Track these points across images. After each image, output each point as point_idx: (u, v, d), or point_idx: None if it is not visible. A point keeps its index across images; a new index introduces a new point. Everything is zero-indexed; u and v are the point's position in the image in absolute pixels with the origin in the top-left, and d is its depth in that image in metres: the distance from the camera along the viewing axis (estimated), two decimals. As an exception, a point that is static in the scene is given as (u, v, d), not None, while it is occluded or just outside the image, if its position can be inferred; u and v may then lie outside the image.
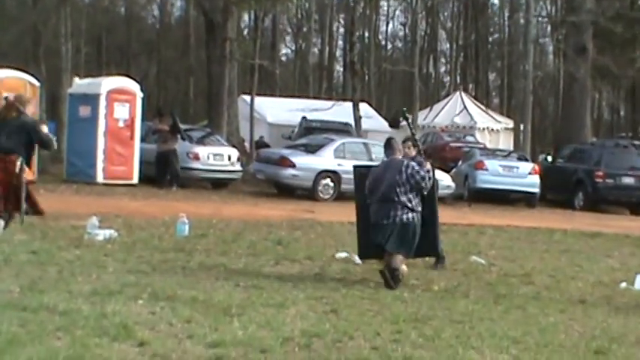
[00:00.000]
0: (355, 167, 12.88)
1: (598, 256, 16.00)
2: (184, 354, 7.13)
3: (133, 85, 24.80)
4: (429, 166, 11.75)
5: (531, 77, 34.99)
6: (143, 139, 24.56)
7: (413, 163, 11.41)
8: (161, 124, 25.15)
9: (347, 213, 20.78)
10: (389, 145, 11.78)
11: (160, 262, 11.59)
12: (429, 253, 12.52)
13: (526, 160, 29.13)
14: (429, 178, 11.38)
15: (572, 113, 37.07)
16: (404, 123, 13.42)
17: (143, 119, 24.93)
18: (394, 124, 13.84)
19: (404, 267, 11.26)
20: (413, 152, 12.23)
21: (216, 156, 25.16)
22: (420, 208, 11.34)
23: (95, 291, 9.22)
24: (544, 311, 10.09)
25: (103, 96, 23.69)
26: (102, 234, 13.50)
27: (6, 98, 12.96)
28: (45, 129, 12.27)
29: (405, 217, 11.17)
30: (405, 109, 14.45)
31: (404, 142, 12.43)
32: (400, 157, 11.61)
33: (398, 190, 11.15)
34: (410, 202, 11.20)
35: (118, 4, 61.42)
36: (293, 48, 68.35)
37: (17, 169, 11.75)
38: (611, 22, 36.79)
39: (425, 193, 11.38)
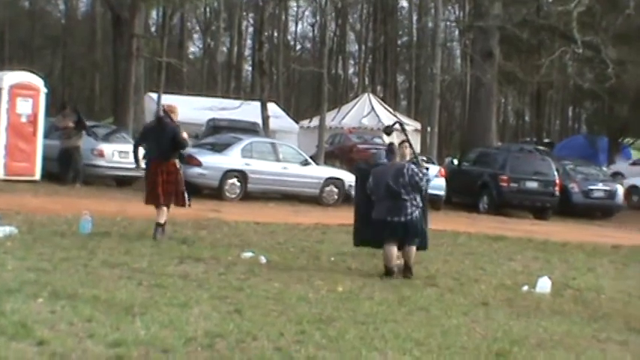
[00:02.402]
0: (357, 166, 14.96)
1: (501, 259, 16.24)
2: (84, 353, 7.04)
3: (36, 80, 24.36)
4: (424, 169, 13.15)
5: (439, 81, 35.39)
6: (46, 135, 24.15)
7: (412, 166, 12.78)
8: (65, 120, 24.75)
9: (254, 213, 20.87)
10: (390, 149, 13.17)
11: (62, 260, 11.40)
12: (420, 248, 13.27)
13: (432, 162, 29.45)
14: (427, 180, 12.93)
15: (478, 117, 37.65)
16: (396, 127, 14.15)
17: (47, 115, 24.50)
18: (388, 131, 14.65)
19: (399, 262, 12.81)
20: (408, 152, 13.34)
21: (121, 153, 24.86)
22: (421, 205, 12.84)
23: (-7, 289, 9.04)
24: (447, 313, 10.20)
25: (5, 90, 23.23)
26: (1, 230, 13.23)
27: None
28: (185, 134, 14.68)
29: (414, 214, 12.66)
30: (400, 122, 15.34)
31: (400, 144, 13.52)
32: (399, 160, 12.91)
33: (403, 190, 12.56)
34: (414, 199, 12.66)
35: (22, -3, 60.42)
36: (201, 46, 68.15)
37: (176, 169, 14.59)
38: (518, 29, 37.49)
39: (424, 191, 12.89)
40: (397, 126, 14.34)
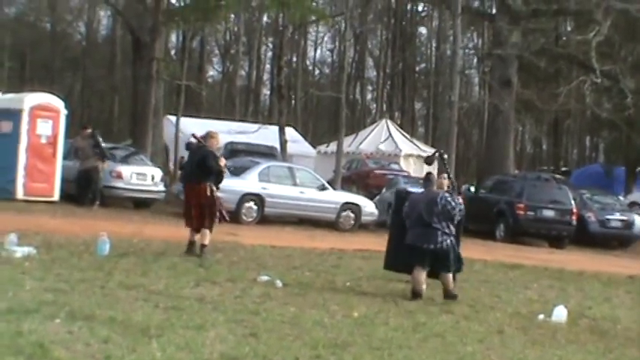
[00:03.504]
0: (397, 190, 15.73)
1: (517, 287, 16.20)
2: (101, 374, 7.07)
3: (56, 102, 24.54)
4: (460, 199, 13.66)
5: (456, 108, 35.40)
6: (65, 157, 24.30)
7: (447, 195, 13.20)
8: (82, 141, 24.86)
9: (270, 236, 20.90)
10: (428, 178, 13.72)
11: (79, 281, 11.45)
12: (456, 271, 13.75)
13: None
14: (460, 210, 13.24)
15: (495, 145, 37.64)
16: (437, 156, 14.80)
17: (66, 136, 24.66)
18: (429, 161, 15.41)
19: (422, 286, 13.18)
20: (446, 183, 13.80)
21: (139, 175, 24.99)
22: (454, 233, 13.22)
23: (11, 309, 9.07)
24: (462, 340, 10.19)
25: (26, 112, 23.42)
26: (20, 251, 13.30)
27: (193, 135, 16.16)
28: (223, 161, 15.62)
29: (444, 243, 13.04)
30: (442, 151, 15.85)
31: (439, 174, 14.24)
32: (436, 189, 13.38)
33: (435, 219, 12.99)
34: (447, 227, 13.06)
35: (44, 19, 60.81)
36: (220, 70, 68.38)
37: (208, 193, 15.23)
38: (536, 57, 37.55)
39: (456, 221, 13.24)
40: (437, 155, 14.76)
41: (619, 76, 35.03)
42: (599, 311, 14.22)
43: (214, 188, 15.40)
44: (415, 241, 13.15)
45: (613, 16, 35.01)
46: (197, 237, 15.48)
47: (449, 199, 13.19)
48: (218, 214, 15.48)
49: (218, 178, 15.59)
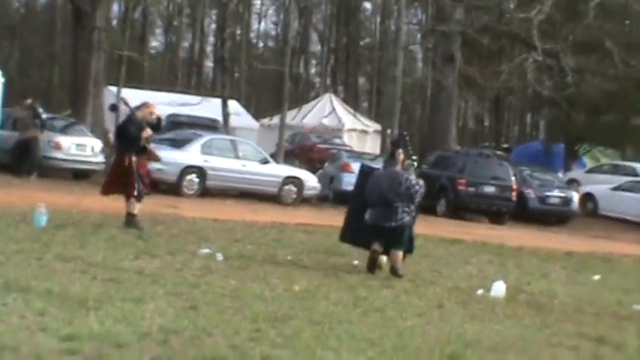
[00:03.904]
0: (361, 166, 15.52)
1: (457, 262, 16.32)
2: (36, 347, 6.97)
3: (-7, 70, 24.06)
4: (421, 181, 13.76)
5: (400, 83, 35.47)
6: (2, 126, 23.87)
7: (411, 177, 13.39)
8: (22, 111, 24.47)
9: (211, 209, 20.79)
10: (392, 157, 13.91)
11: (15, 253, 11.29)
12: (406, 252, 13.84)
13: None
14: (421, 193, 13.52)
15: (438, 120, 37.79)
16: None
17: (3, 105, 24.20)
18: (395, 142, 15.67)
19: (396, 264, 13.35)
20: (402, 157, 13.81)
21: (78, 146, 24.67)
22: (413, 213, 13.52)
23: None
24: (402, 315, 10.23)
25: (-39, 79, 22.94)
26: (-46, 221, 13.09)
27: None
28: (147, 132, 15.16)
29: (403, 220, 13.27)
30: (405, 133, 16.05)
31: (395, 151, 14.09)
32: (399, 168, 13.50)
33: (397, 198, 13.17)
34: (406, 207, 13.28)
35: (-20, -14, 59.64)
36: (163, 41, 67.67)
37: (126, 163, 14.97)
38: (479, 34, 37.66)
39: (417, 202, 13.47)
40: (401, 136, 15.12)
41: (560, 54, 35.30)
42: (537, 286, 14.37)
43: (133, 158, 15.09)
44: (376, 220, 13.34)
45: (555, -5, 35.23)
46: (137, 207, 15.30)
47: (413, 181, 13.38)
48: (137, 185, 15.16)
49: (136, 146, 15.22)
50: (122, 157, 15.24)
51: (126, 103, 15.88)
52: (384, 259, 13.55)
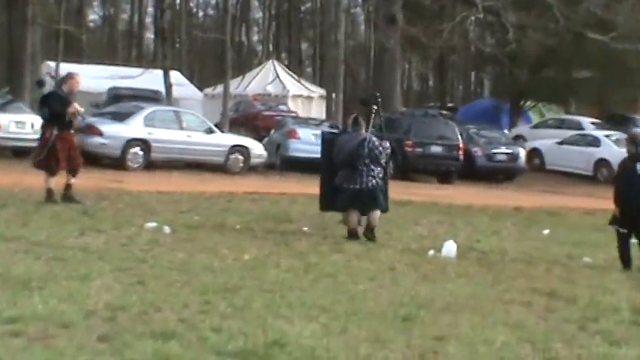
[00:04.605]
0: (322, 134, 15.89)
1: (407, 223, 16.29)
2: (-21, 331, 6.78)
3: None
4: (387, 142, 13.95)
5: (343, 47, 35.34)
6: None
7: (374, 139, 13.54)
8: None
9: (157, 182, 20.57)
10: (356, 121, 14.00)
11: (-46, 234, 11.04)
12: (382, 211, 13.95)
13: (337, 128, 29.36)
14: (387, 154, 13.68)
15: (382, 83, 37.65)
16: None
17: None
18: (365, 102, 15.62)
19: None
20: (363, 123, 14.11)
21: (18, 124, 24.25)
22: (380, 175, 13.52)
23: None
24: (354, 279, 10.14)
25: None
26: None
27: None
28: (73, 107, 14.79)
29: (370, 183, 13.35)
30: (378, 94, 15.92)
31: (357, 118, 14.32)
32: (364, 131, 13.70)
33: (362, 160, 13.28)
34: (372, 170, 13.35)
35: None
36: (101, 14, 66.79)
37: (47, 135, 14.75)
38: (420, -6, 37.63)
39: (383, 162, 13.55)
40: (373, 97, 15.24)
41: (501, 11, 35.36)
42: (488, 244, 14.41)
43: (54, 132, 14.77)
44: (342, 182, 13.48)
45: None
46: (52, 181, 15.04)
47: (376, 142, 13.52)
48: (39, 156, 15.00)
49: (62, 121, 14.91)
50: (46, 130, 14.98)
51: (52, 76, 15.57)
52: (358, 228, 13.66)
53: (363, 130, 13.82)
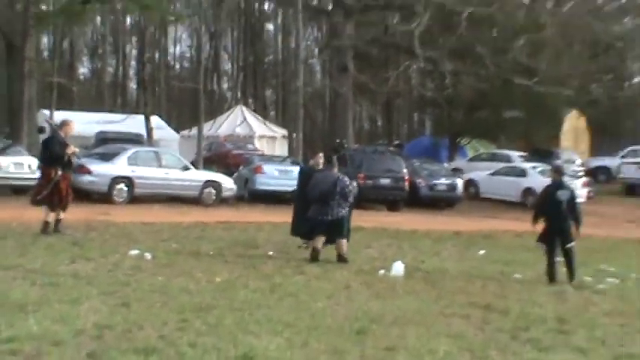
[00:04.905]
0: (301, 169, 16.72)
1: (360, 247, 16.21)
2: (-21, 351, 6.63)
3: None
4: (354, 182, 14.94)
5: (302, 93, 35.37)
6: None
7: (345, 179, 13.98)
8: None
9: (140, 214, 20.38)
10: (330, 161, 14.58)
11: (-41, 265, 10.82)
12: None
13: (298, 164, 29.34)
14: (355, 193, 14.33)
15: (337, 123, 37.87)
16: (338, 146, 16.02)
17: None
18: (335, 150, 16.42)
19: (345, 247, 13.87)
20: (321, 162, 15.07)
21: (17, 165, 23.99)
22: (347, 208, 13.97)
23: None
24: (313, 297, 10.08)
25: None
26: None
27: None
28: (71, 149, 14.76)
29: (339, 214, 13.78)
30: (344, 140, 16.75)
31: (313, 156, 15.67)
32: (336, 171, 14.13)
33: (334, 196, 13.72)
34: (341, 204, 13.79)
35: None
36: (90, 67, 66.47)
37: (52, 175, 14.69)
38: (368, 46, 37.84)
39: (351, 198, 14.00)
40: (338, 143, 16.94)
41: (439, 60, 35.67)
42: (431, 264, 14.40)
43: (59, 172, 14.77)
44: (316, 215, 13.79)
45: (432, 9, 35.56)
46: (52, 216, 14.91)
47: (347, 182, 13.93)
48: (45, 195, 14.84)
49: (62, 162, 14.85)
50: (49, 171, 14.86)
51: (49, 123, 15.51)
52: (319, 252, 13.79)
53: (335, 170, 14.18)
